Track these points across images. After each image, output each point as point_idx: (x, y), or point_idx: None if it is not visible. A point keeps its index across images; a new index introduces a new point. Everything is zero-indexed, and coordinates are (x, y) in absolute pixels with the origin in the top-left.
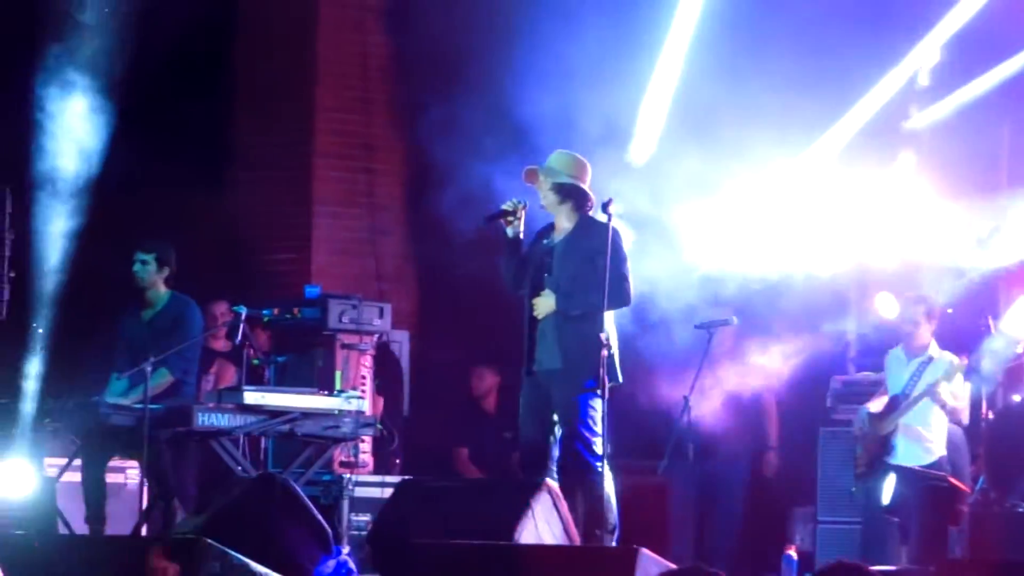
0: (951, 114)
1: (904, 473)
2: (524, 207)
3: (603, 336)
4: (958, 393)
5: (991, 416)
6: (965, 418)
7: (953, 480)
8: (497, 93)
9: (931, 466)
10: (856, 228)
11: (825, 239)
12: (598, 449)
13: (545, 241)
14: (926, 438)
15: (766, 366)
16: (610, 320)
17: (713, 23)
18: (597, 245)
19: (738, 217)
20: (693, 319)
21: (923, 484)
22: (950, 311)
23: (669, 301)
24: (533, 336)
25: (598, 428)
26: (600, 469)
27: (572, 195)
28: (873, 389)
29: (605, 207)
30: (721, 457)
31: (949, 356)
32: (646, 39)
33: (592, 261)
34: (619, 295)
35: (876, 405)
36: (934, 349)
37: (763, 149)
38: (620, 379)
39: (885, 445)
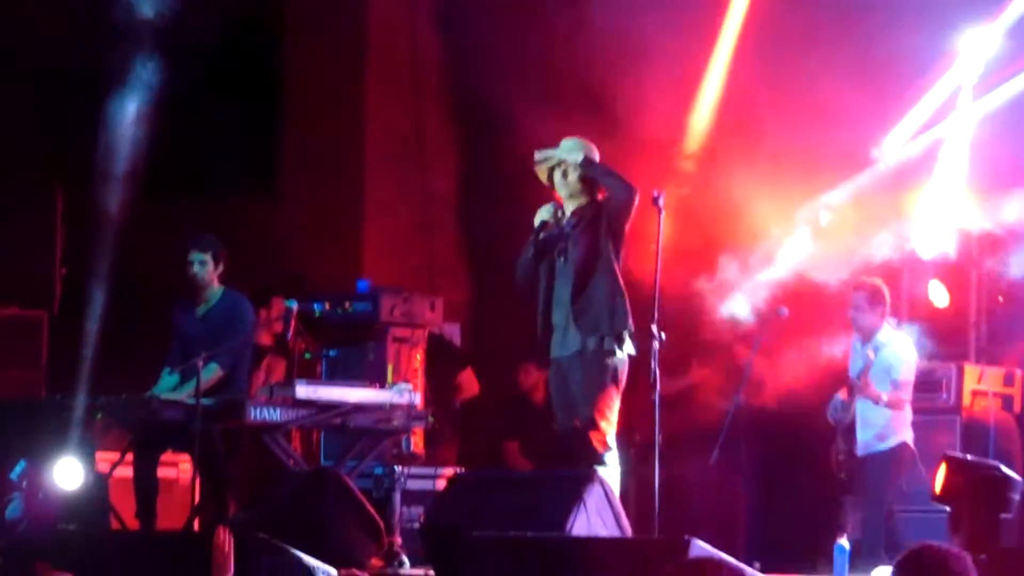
0: (1003, 104)
1: (956, 462)
2: (555, 208)
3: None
4: (897, 376)
5: None
6: (901, 403)
7: (1005, 468)
8: (550, 86)
9: (889, 451)
10: (909, 217)
11: (881, 229)
12: (610, 440)
13: (556, 226)
14: (877, 425)
15: (820, 358)
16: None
17: (762, 22)
18: (603, 203)
19: (791, 212)
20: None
21: (976, 473)
22: (1001, 299)
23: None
24: (550, 324)
25: (613, 416)
26: (608, 463)
27: (594, 180)
28: (927, 378)
29: (656, 200)
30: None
31: (897, 339)
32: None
33: (599, 224)
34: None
35: (844, 393)
36: (884, 334)
37: (812, 146)
38: (630, 327)
39: (851, 435)
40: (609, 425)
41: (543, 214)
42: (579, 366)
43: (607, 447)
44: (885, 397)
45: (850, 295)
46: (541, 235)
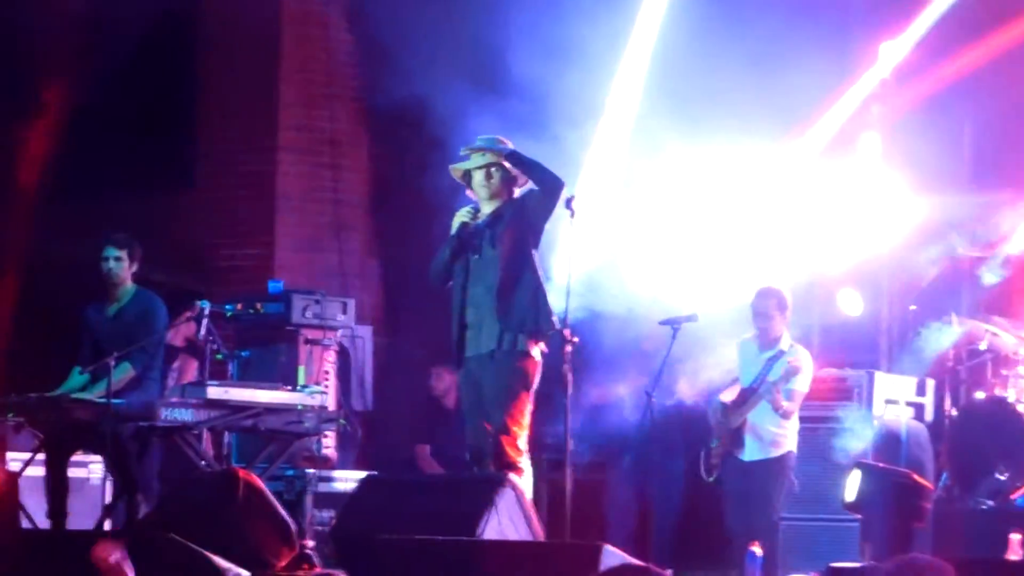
0: (914, 111)
1: (868, 470)
2: (473, 209)
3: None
4: (795, 387)
5: (954, 414)
6: (791, 413)
7: (917, 477)
8: (467, 86)
9: (778, 459)
10: (819, 224)
11: (791, 236)
12: (522, 444)
13: (473, 224)
14: (772, 433)
15: (724, 363)
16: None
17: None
18: (523, 201)
19: (701, 216)
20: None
21: (888, 481)
22: (913, 308)
23: (632, 296)
24: (464, 323)
25: (525, 420)
26: (522, 466)
27: (514, 178)
28: (838, 385)
29: (568, 203)
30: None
31: (798, 349)
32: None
33: (521, 224)
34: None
35: (728, 395)
36: (785, 342)
37: (730, 146)
38: (556, 326)
39: (736, 439)
40: (521, 429)
41: (462, 216)
42: (491, 367)
43: (519, 451)
44: (785, 405)
45: (755, 302)
46: (469, 231)
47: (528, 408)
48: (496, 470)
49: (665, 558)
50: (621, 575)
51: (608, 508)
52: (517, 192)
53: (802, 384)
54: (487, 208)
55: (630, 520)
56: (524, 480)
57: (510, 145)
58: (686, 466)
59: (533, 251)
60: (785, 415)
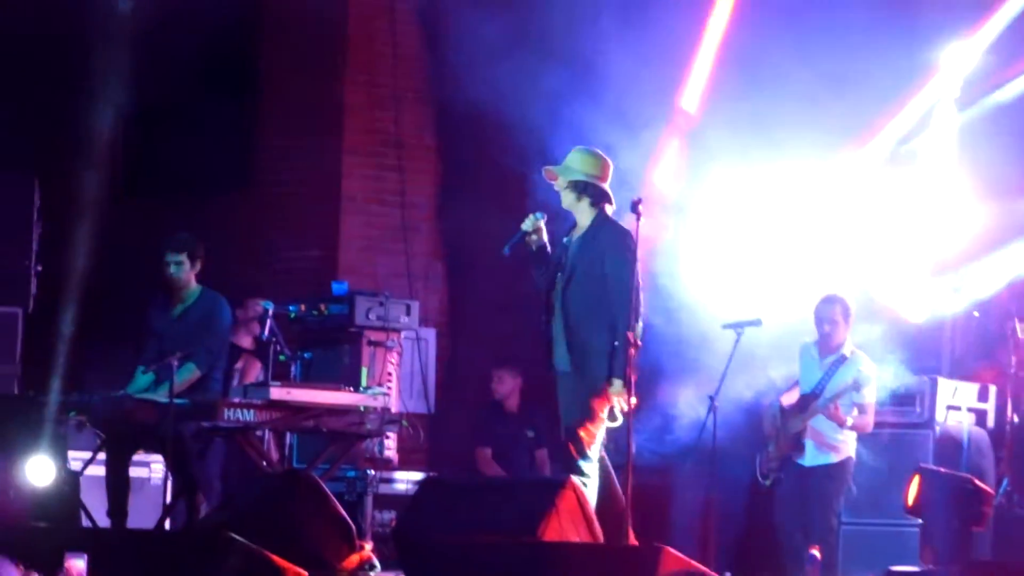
0: (982, 116)
1: (929, 475)
2: (542, 219)
3: (609, 339)
4: (867, 400)
5: (1016, 420)
6: (869, 426)
7: (977, 482)
8: (531, 89)
9: (839, 465)
10: (885, 230)
11: (856, 242)
12: (588, 451)
13: (565, 240)
14: (834, 439)
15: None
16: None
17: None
18: (603, 249)
19: (769, 222)
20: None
21: (949, 485)
22: (976, 314)
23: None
24: (548, 336)
25: (597, 429)
26: (587, 471)
27: (588, 192)
28: (901, 392)
29: (634, 207)
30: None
31: (862, 356)
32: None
33: (598, 266)
34: (623, 311)
35: (787, 398)
36: (848, 347)
37: (796, 152)
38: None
39: (796, 444)
40: (589, 437)
41: (527, 224)
42: (571, 381)
43: (583, 456)
44: (850, 422)
45: (820, 308)
46: (534, 247)
47: (603, 418)
48: (560, 473)
49: (728, 562)
50: None
51: (671, 512)
52: (609, 209)
53: (872, 395)
54: (576, 217)
55: (693, 524)
56: (589, 486)
57: (586, 165)
58: (749, 470)
59: (618, 290)
60: (856, 429)
